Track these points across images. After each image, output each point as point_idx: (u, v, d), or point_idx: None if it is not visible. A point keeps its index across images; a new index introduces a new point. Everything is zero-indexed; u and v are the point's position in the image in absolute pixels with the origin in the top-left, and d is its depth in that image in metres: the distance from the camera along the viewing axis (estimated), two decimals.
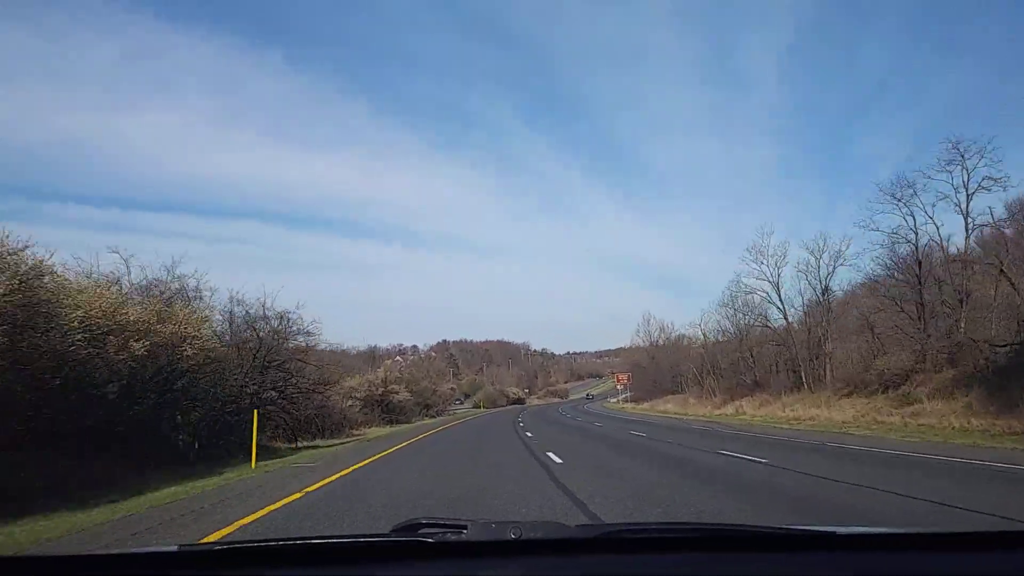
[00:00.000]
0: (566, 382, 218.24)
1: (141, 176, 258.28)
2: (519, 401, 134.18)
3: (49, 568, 1.82)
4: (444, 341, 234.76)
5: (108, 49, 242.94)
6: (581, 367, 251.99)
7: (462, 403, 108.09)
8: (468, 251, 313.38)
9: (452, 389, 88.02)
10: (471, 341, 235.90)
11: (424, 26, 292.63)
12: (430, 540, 1.78)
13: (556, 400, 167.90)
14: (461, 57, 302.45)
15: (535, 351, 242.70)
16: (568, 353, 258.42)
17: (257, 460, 17.15)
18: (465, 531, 1.83)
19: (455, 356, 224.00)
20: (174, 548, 1.85)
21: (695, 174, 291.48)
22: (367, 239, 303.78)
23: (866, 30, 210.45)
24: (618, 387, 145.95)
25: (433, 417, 58.46)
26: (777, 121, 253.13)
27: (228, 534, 7.54)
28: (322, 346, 30.10)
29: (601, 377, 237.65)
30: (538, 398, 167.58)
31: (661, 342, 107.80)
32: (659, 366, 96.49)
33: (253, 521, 8.38)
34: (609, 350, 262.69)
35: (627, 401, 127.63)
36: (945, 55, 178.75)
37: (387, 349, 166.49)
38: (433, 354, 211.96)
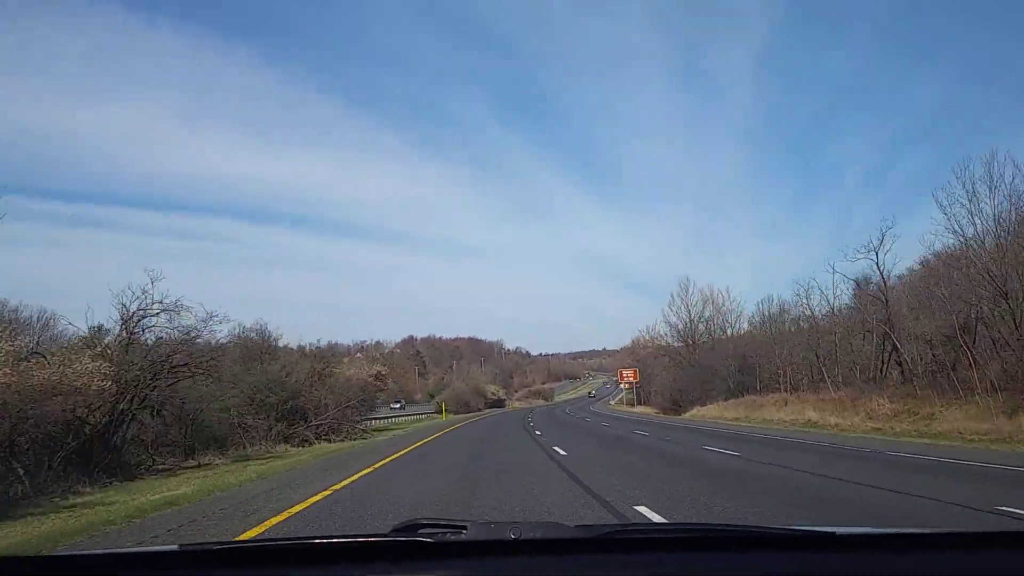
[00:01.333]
0: (543, 383, 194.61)
1: (110, 171, 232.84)
2: (498, 403, 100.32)
3: (49, 568, 1.74)
4: (410, 337, 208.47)
5: (77, 41, 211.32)
6: (557, 368, 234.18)
7: (401, 407, 73.19)
8: (442, 250, 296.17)
9: (375, 379, 45.68)
10: (440, 338, 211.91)
11: (402, 25, 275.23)
12: (429, 540, 1.72)
13: (542, 402, 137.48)
14: (439, 57, 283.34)
15: (510, 350, 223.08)
16: (540, 354, 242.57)
17: None
18: (465, 531, 1.77)
19: (422, 353, 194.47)
20: (175, 547, 1.83)
21: (671, 177, 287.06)
22: (341, 237, 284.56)
23: (838, 36, 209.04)
24: (622, 385, 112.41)
25: (307, 444, 22.69)
26: (751, 125, 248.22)
27: None
28: None
29: (579, 379, 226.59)
30: (519, 400, 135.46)
31: (707, 315, 73.52)
32: (712, 354, 62.72)
33: None
34: (583, 352, 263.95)
35: (634, 403, 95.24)
36: (917, 62, 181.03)
37: (348, 347, 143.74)
38: (397, 351, 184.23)
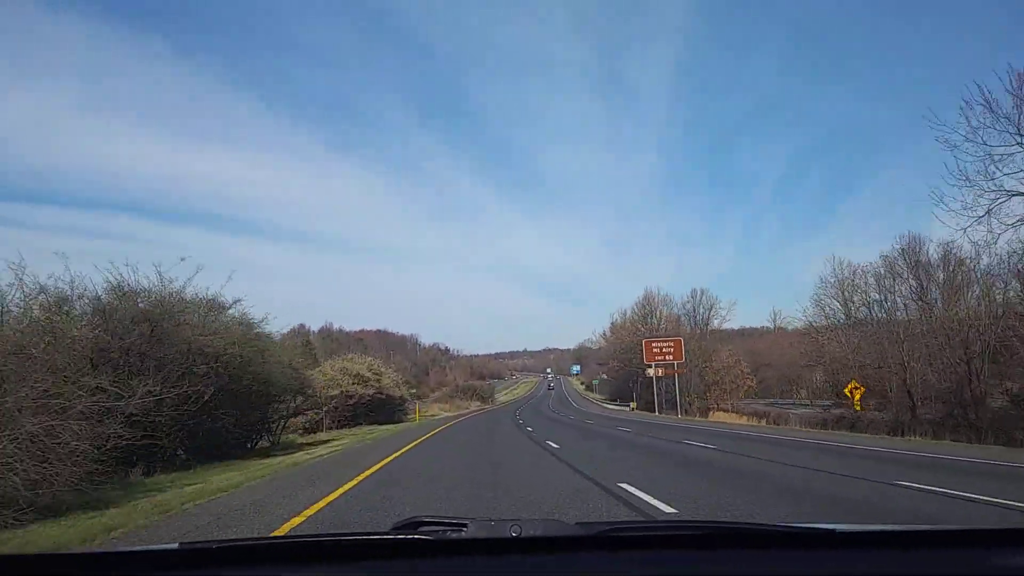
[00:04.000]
0: (465, 381, 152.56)
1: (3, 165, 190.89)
2: (391, 407, 41.01)
3: (50, 566, 1.70)
4: (300, 326, 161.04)
5: None
6: (480, 366, 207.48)
7: None
8: (358, 250, 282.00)
9: None
10: (340, 329, 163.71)
11: (320, 23, 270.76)
12: (430, 538, 1.67)
13: (478, 404, 79.37)
14: (358, 57, 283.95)
15: (427, 345, 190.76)
16: (458, 351, 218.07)
17: None
18: (465, 529, 1.71)
19: (313, 345, 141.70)
20: (175, 546, 1.77)
21: (589, 184, 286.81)
22: (251, 235, 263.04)
23: (748, 55, 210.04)
24: (650, 372, 54.43)
25: None
26: (665, 135, 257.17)
27: None
28: None
29: (504, 378, 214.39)
30: (439, 401, 76.60)
31: None
32: None
33: None
34: (503, 353, 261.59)
35: (676, 406, 37.05)
36: (821, 81, 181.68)
37: None
38: (285, 344, 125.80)
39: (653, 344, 53.93)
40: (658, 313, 69.08)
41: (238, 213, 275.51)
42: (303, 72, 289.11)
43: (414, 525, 1.83)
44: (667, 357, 52.63)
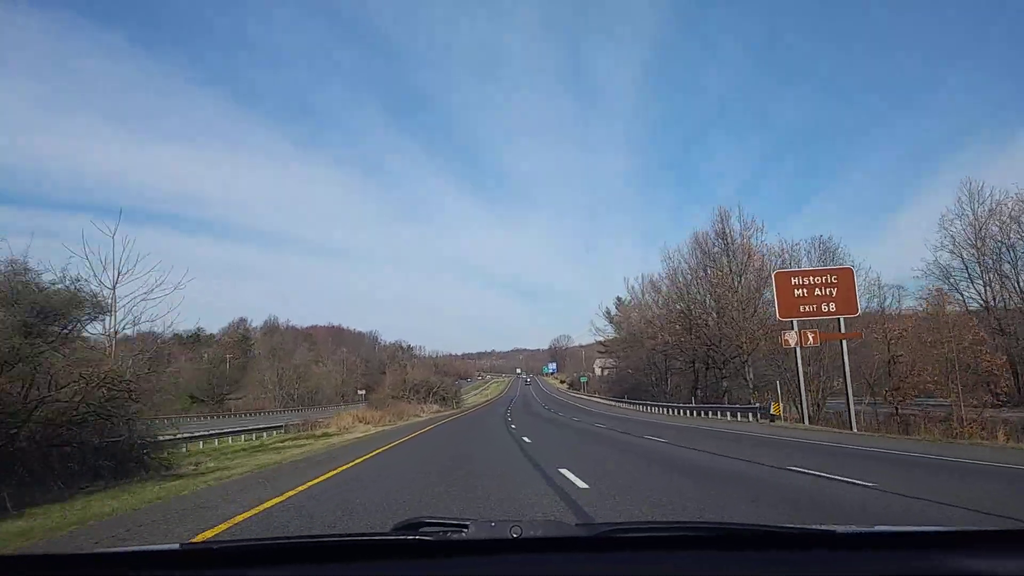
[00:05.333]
0: (423, 377, 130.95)
1: None
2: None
3: (50, 566, 1.68)
4: (240, 320, 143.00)
5: None
6: (446, 365, 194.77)
7: None
8: (320, 249, 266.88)
9: None
10: (290, 325, 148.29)
11: (283, 20, 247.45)
12: (431, 538, 1.66)
13: (437, 409, 50.47)
14: (323, 54, 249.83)
15: (387, 343, 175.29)
16: (421, 347, 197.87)
17: None
18: (466, 530, 1.71)
19: (251, 340, 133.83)
20: (176, 546, 1.76)
21: (554, 183, 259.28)
22: (214, 236, 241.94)
23: (713, 57, 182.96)
24: (798, 342, 23.92)
25: None
26: (633, 132, 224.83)
27: None
28: None
29: (470, 378, 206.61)
30: (372, 410, 46.86)
31: None
32: None
33: None
34: (470, 353, 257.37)
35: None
36: (784, 83, 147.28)
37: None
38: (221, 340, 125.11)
39: (794, 281, 26.22)
40: (743, 246, 40.72)
41: (192, 211, 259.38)
42: (263, 69, 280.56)
43: (415, 526, 1.80)
44: (823, 307, 25.10)
